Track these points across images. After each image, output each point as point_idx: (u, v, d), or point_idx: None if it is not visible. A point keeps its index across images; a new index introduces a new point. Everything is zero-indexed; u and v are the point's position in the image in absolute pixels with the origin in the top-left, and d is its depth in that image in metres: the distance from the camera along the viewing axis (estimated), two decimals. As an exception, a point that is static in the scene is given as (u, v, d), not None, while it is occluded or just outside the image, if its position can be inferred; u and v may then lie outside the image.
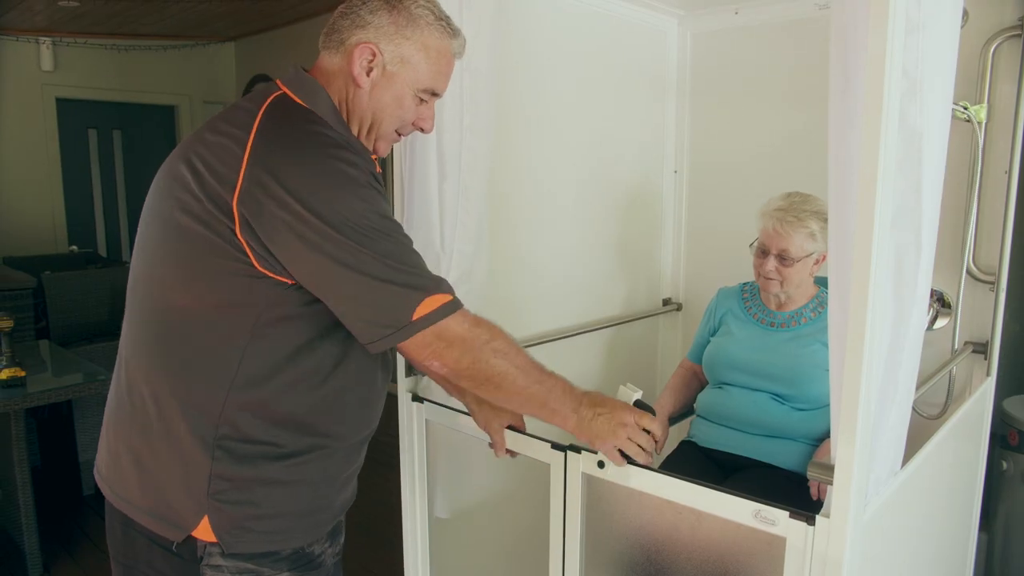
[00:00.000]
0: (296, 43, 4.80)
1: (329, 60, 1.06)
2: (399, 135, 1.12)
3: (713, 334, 1.88)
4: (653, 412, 1.15)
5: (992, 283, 1.84)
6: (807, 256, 1.67)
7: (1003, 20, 1.79)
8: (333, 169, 0.93)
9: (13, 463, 2.39)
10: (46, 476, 3.25)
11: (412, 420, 1.56)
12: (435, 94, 1.10)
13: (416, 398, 1.58)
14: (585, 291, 2.14)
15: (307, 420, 1.02)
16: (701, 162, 2.37)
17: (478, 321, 1.01)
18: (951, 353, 1.84)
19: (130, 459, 1.02)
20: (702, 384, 1.94)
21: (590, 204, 2.13)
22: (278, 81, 1.04)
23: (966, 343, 1.88)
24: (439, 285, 0.98)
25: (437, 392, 1.61)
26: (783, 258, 1.66)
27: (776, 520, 1.01)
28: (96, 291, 3.73)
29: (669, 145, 2.38)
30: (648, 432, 1.13)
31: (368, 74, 1.04)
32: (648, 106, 2.31)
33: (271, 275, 0.94)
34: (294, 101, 1.01)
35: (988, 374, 1.84)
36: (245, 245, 0.92)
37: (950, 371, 1.84)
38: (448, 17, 1.09)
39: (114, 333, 2.75)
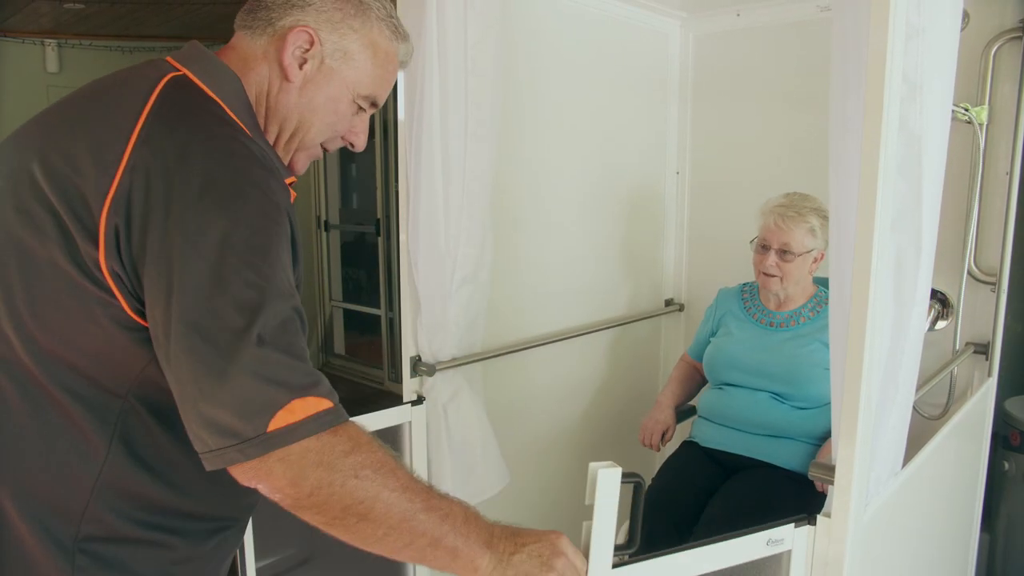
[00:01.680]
0: (300, 45, 4.81)
1: (249, 43, 0.83)
2: (323, 149, 0.90)
3: (713, 335, 1.89)
4: (641, 480, 0.94)
5: (993, 284, 1.85)
6: (808, 252, 1.69)
7: (1004, 22, 1.79)
8: (240, 190, 0.69)
9: None
10: None
11: (413, 421, 1.57)
12: (374, 104, 0.89)
13: (418, 399, 1.59)
14: (588, 292, 2.15)
15: (192, 512, 0.79)
16: (703, 163, 2.38)
17: (339, 430, 0.70)
18: (952, 354, 1.84)
19: None
20: (702, 379, 1.96)
21: (593, 206, 2.14)
22: (170, 59, 0.80)
23: (967, 344, 1.89)
24: (316, 382, 0.69)
25: (438, 392, 1.62)
26: (784, 253, 1.68)
27: (783, 538, 0.97)
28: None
29: (671, 146, 2.39)
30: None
31: (301, 66, 0.82)
32: (650, 108, 2.31)
33: (143, 322, 0.70)
34: (196, 85, 0.78)
35: (989, 375, 1.85)
36: (108, 276, 0.68)
37: (951, 372, 1.84)
38: (396, 15, 0.89)
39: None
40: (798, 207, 1.69)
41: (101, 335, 0.71)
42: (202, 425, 0.66)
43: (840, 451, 0.94)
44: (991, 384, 1.85)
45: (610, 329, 2.22)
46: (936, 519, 1.58)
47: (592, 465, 0.84)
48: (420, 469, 1.59)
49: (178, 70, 0.78)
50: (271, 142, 0.85)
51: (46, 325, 0.72)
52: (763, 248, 1.72)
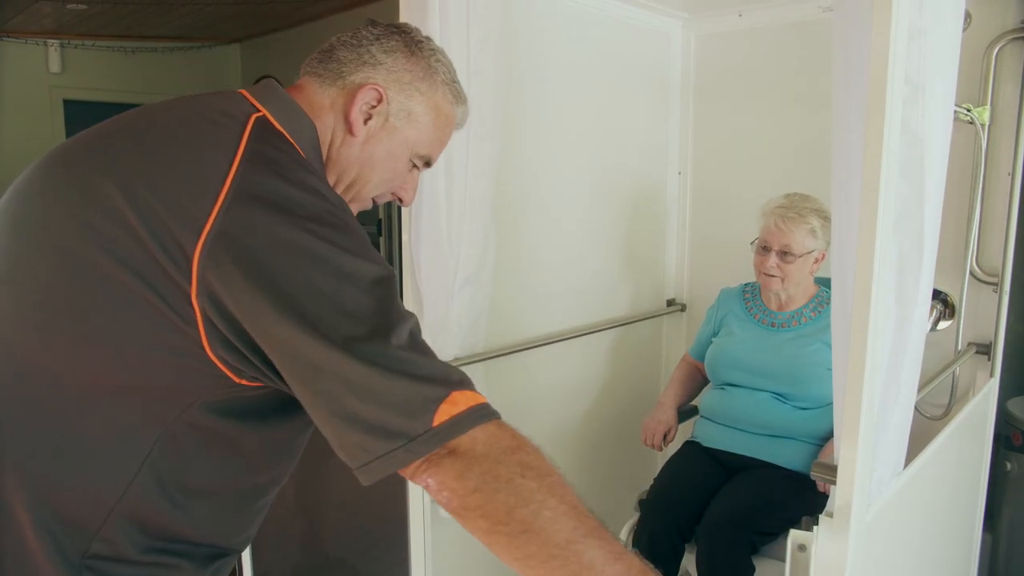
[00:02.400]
0: (302, 45, 4.82)
1: (318, 90, 0.85)
2: (374, 201, 0.93)
3: (715, 335, 1.89)
4: None
5: (995, 284, 1.85)
6: (808, 253, 1.69)
7: (1006, 23, 1.80)
8: (334, 225, 0.71)
9: None
10: None
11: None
12: (428, 164, 0.92)
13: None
14: (590, 292, 2.16)
15: (191, 537, 0.79)
16: (705, 164, 2.38)
17: (503, 424, 0.70)
18: (954, 354, 1.85)
19: None
20: (704, 379, 1.96)
21: (595, 206, 2.14)
22: (247, 95, 0.81)
23: (969, 344, 1.89)
24: (464, 378, 0.71)
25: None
26: (785, 254, 1.68)
27: (806, 542, 0.95)
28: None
29: (673, 147, 2.39)
30: None
31: (365, 122, 0.85)
32: (652, 108, 2.32)
33: (217, 363, 0.69)
34: (277, 130, 0.78)
35: (991, 375, 1.85)
36: (197, 311, 0.67)
37: (953, 372, 1.85)
38: (459, 81, 0.93)
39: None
40: (798, 208, 1.69)
41: (163, 362, 0.70)
42: (366, 433, 0.65)
43: (842, 451, 0.94)
44: (993, 384, 1.85)
45: (612, 329, 2.22)
46: (938, 519, 1.58)
47: None
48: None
49: (258, 109, 0.78)
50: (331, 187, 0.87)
51: (93, 343, 0.71)
52: (764, 249, 1.72)
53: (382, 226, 4.32)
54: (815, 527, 0.96)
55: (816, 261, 1.72)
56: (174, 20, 4.75)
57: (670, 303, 2.46)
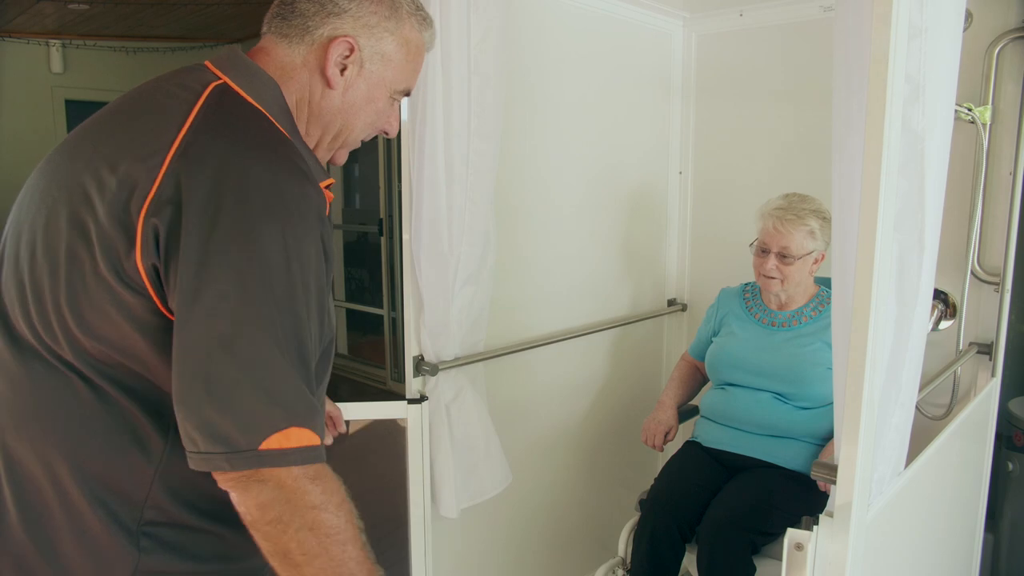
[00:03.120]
0: (303, 45, 4.82)
1: (286, 50, 0.84)
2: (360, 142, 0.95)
3: (715, 335, 1.89)
4: None
5: (997, 284, 1.85)
6: (807, 254, 1.68)
7: (1007, 22, 1.79)
8: (275, 204, 0.71)
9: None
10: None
11: (410, 419, 1.57)
12: (406, 94, 0.93)
13: (421, 397, 1.59)
14: (591, 292, 2.16)
15: None
16: (706, 163, 2.38)
17: (320, 476, 0.72)
18: (956, 354, 1.84)
19: (13, 567, 0.77)
20: (703, 378, 1.96)
21: (596, 205, 2.14)
22: (210, 64, 0.82)
23: (971, 344, 1.88)
24: (314, 416, 0.72)
25: (441, 391, 1.62)
26: (784, 256, 1.68)
27: (803, 541, 0.96)
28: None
29: (674, 147, 2.39)
30: None
31: (342, 72, 0.85)
32: (653, 108, 2.32)
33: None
34: (237, 94, 0.79)
35: (993, 375, 1.85)
36: (144, 275, 0.70)
37: (954, 372, 1.84)
38: (422, 7, 0.92)
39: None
40: (796, 210, 1.68)
41: (145, 340, 0.73)
42: (198, 426, 0.68)
43: (842, 451, 0.94)
44: (995, 384, 1.85)
45: (613, 329, 2.22)
46: (939, 519, 1.58)
47: None
48: (421, 468, 1.59)
49: (219, 78, 0.80)
50: (314, 144, 0.88)
51: (94, 332, 0.74)
52: (762, 251, 1.72)
53: (383, 226, 4.33)
54: (815, 526, 0.96)
55: (816, 261, 1.72)
56: (175, 20, 4.75)
57: (671, 303, 2.45)
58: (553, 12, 1.92)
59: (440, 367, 1.60)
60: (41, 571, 0.77)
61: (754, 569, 1.56)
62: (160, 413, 0.76)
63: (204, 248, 0.68)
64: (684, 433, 1.94)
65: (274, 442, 0.68)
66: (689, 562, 1.68)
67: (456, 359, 1.64)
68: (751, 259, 1.78)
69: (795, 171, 2.05)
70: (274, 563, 0.72)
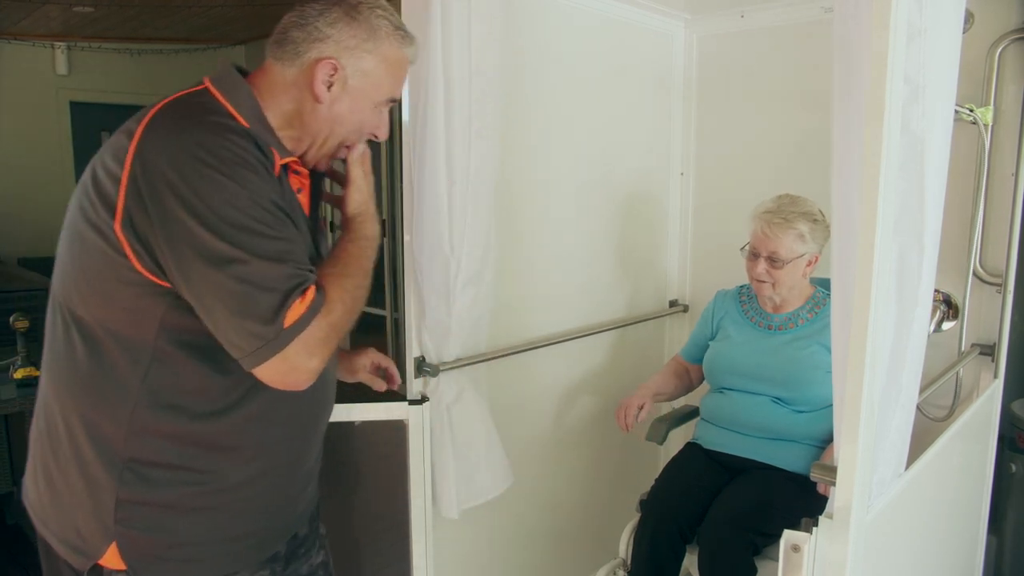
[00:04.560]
0: (306, 47, 4.84)
1: (280, 71, 1.00)
2: (348, 148, 1.07)
3: (712, 338, 1.89)
4: None
5: (999, 285, 1.84)
6: (798, 258, 1.67)
7: (1009, 23, 1.79)
8: (215, 154, 0.87)
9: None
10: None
11: (411, 420, 1.57)
12: (393, 101, 1.06)
13: (422, 398, 1.59)
14: (592, 293, 2.16)
15: (226, 445, 0.97)
16: (707, 164, 2.38)
17: (324, 307, 0.93)
18: (958, 355, 1.84)
19: (45, 482, 0.98)
20: (692, 381, 1.95)
21: (597, 206, 2.14)
22: (206, 78, 0.99)
23: (973, 345, 1.88)
24: (304, 279, 0.91)
25: (442, 392, 1.62)
26: (773, 260, 1.67)
27: (800, 542, 0.97)
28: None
29: (675, 148, 2.39)
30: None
31: (328, 88, 0.99)
32: (654, 109, 2.32)
33: (156, 280, 0.88)
34: (210, 94, 0.96)
35: (995, 376, 1.84)
36: (124, 242, 0.87)
37: (956, 373, 1.84)
38: (403, 24, 1.04)
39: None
40: (785, 213, 1.66)
41: (126, 292, 0.89)
42: (238, 335, 0.87)
43: (842, 452, 0.94)
44: (997, 386, 1.84)
45: (614, 330, 2.22)
46: (942, 521, 1.58)
47: None
48: (422, 469, 1.59)
49: (203, 85, 0.97)
50: (305, 148, 1.03)
51: (94, 291, 0.91)
52: (753, 255, 1.71)
53: (385, 227, 4.33)
54: (814, 528, 0.96)
55: (809, 264, 1.70)
56: (179, 22, 4.77)
57: (672, 304, 2.45)
58: (554, 13, 1.92)
59: (441, 368, 1.60)
60: (60, 490, 0.96)
61: (755, 570, 1.56)
62: (137, 361, 0.91)
63: (172, 219, 0.85)
64: (684, 435, 1.94)
65: (290, 317, 0.88)
66: (690, 563, 1.68)
67: (457, 360, 1.64)
68: (745, 264, 1.77)
69: (796, 172, 2.05)
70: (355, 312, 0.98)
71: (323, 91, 0.98)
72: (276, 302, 0.87)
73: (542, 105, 1.91)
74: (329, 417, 1.16)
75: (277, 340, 0.87)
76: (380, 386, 1.34)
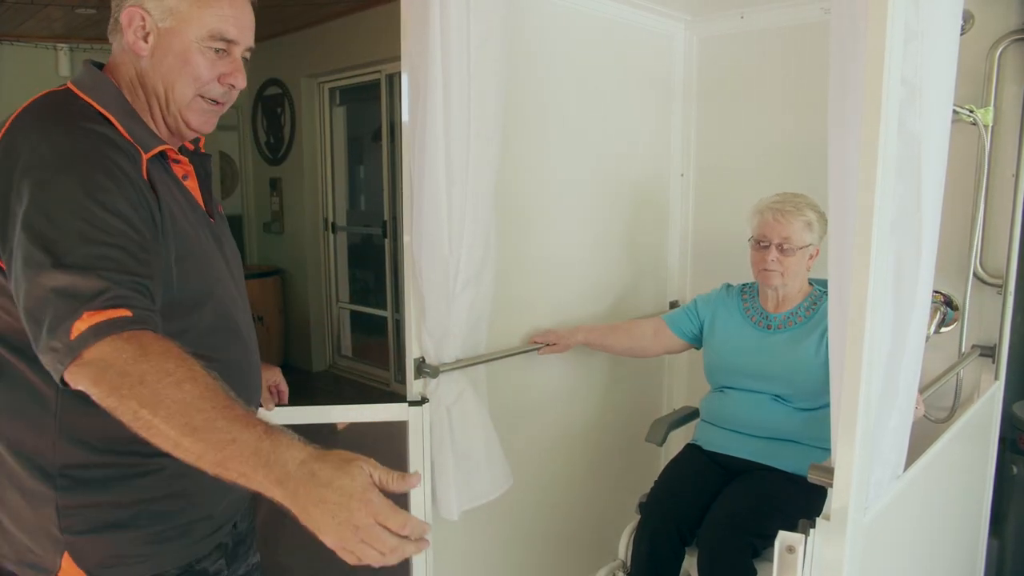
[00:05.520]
0: (308, 48, 4.85)
1: (115, 47, 0.97)
2: (209, 100, 0.98)
3: (700, 324, 1.89)
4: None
5: (1000, 286, 1.84)
6: (806, 246, 1.70)
7: (1009, 23, 1.79)
8: (72, 168, 0.82)
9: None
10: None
11: (411, 421, 1.57)
12: (226, 39, 0.96)
13: (422, 400, 1.60)
14: (592, 294, 2.16)
15: None
16: (707, 165, 2.38)
17: (133, 336, 0.77)
18: (958, 356, 1.84)
19: None
20: (648, 344, 1.96)
21: (597, 207, 2.14)
22: (69, 82, 0.96)
23: (973, 346, 1.88)
24: (109, 299, 0.78)
25: (442, 393, 1.63)
26: (785, 247, 1.68)
27: (795, 543, 0.97)
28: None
29: (676, 149, 2.39)
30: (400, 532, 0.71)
31: (146, 40, 0.94)
32: (655, 110, 2.32)
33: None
34: (69, 92, 0.93)
35: (996, 378, 1.84)
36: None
37: (957, 374, 1.83)
38: None
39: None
40: (794, 202, 1.71)
41: (6, 305, 0.85)
42: (38, 347, 0.79)
43: (838, 453, 0.94)
44: (998, 387, 1.84)
45: (614, 331, 2.22)
46: (941, 523, 1.57)
47: None
48: (422, 470, 1.60)
49: (64, 87, 0.93)
50: (156, 113, 0.96)
51: None
52: (761, 245, 1.72)
53: (387, 228, 4.34)
54: (811, 530, 0.96)
55: (811, 257, 1.73)
56: (182, 24, 4.77)
57: (673, 305, 2.45)
58: (554, 14, 1.92)
59: (441, 369, 1.60)
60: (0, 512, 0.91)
61: (754, 572, 1.56)
62: (36, 374, 0.85)
63: (8, 210, 0.81)
64: (684, 436, 1.94)
65: (76, 329, 0.76)
66: (689, 565, 1.68)
67: (457, 361, 1.64)
68: (751, 258, 1.78)
69: (797, 173, 2.05)
70: (144, 434, 0.75)
71: (139, 44, 0.94)
72: (67, 310, 0.76)
73: (542, 106, 1.91)
74: (258, 401, 1.12)
75: (64, 353, 0.76)
76: (270, 405, 1.29)
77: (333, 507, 0.69)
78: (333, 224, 4.86)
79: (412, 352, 1.61)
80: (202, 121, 0.99)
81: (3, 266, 0.84)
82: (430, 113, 1.47)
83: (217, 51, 0.96)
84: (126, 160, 0.87)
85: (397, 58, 1.54)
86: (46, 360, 0.78)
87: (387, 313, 4.46)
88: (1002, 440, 1.91)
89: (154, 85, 0.95)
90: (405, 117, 1.53)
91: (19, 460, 0.89)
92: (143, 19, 0.93)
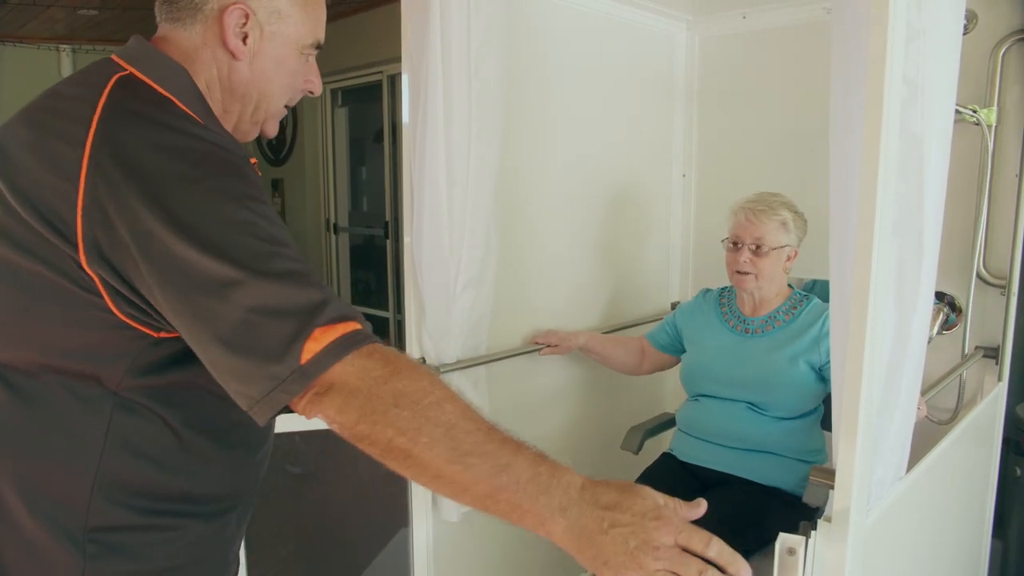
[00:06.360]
0: (310, 49, 4.86)
1: (183, 34, 0.82)
2: (287, 108, 0.92)
3: (678, 335, 1.88)
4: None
5: (1003, 287, 1.83)
6: (781, 248, 1.65)
7: (1012, 23, 1.78)
8: (208, 172, 0.71)
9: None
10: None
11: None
12: (318, 47, 0.89)
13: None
14: (593, 295, 2.15)
15: (202, 494, 0.81)
16: (709, 166, 2.37)
17: (374, 351, 0.68)
18: (961, 357, 1.83)
19: None
20: (641, 362, 1.94)
21: (598, 208, 2.14)
22: (116, 57, 0.80)
23: (977, 347, 1.87)
24: (332, 310, 0.68)
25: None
26: (758, 248, 1.65)
27: (796, 545, 0.94)
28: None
29: (677, 149, 2.39)
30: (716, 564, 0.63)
31: (244, 41, 0.82)
32: (656, 111, 2.31)
33: (131, 322, 0.71)
34: (144, 83, 0.77)
35: (999, 379, 1.83)
36: (95, 278, 0.69)
37: (960, 376, 1.83)
38: None
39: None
40: (768, 202, 1.66)
41: (88, 336, 0.72)
42: (241, 380, 0.66)
43: (840, 454, 0.94)
44: (1001, 388, 1.83)
45: (615, 332, 2.22)
46: (945, 525, 1.57)
47: None
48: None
49: (125, 69, 0.77)
50: (235, 120, 0.87)
51: (28, 332, 0.74)
52: (734, 245, 1.68)
53: (389, 228, 4.34)
54: (812, 531, 0.95)
55: (788, 259, 1.68)
56: (184, 25, 4.78)
57: (674, 305, 2.44)
58: (555, 14, 1.92)
59: (442, 370, 1.60)
60: None
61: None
62: (98, 412, 0.73)
63: (153, 242, 0.67)
64: (660, 445, 1.91)
65: (308, 351, 0.65)
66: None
67: (458, 362, 1.64)
68: (725, 259, 1.75)
69: (797, 173, 2.04)
70: (395, 467, 0.66)
71: (239, 45, 0.82)
72: (290, 330, 0.66)
73: (543, 107, 1.91)
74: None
75: (293, 380, 0.65)
76: None
77: (626, 531, 0.62)
78: (335, 225, 4.86)
79: (413, 353, 1.61)
80: (274, 128, 0.91)
81: (106, 293, 0.70)
82: (430, 114, 1.47)
83: (307, 57, 0.89)
84: (247, 166, 0.78)
85: (399, 59, 1.54)
86: (255, 390, 0.66)
87: (388, 314, 4.46)
88: (1005, 442, 1.91)
89: (245, 92, 0.84)
90: (405, 118, 1.53)
91: (35, 516, 0.73)
92: (246, 19, 0.81)
